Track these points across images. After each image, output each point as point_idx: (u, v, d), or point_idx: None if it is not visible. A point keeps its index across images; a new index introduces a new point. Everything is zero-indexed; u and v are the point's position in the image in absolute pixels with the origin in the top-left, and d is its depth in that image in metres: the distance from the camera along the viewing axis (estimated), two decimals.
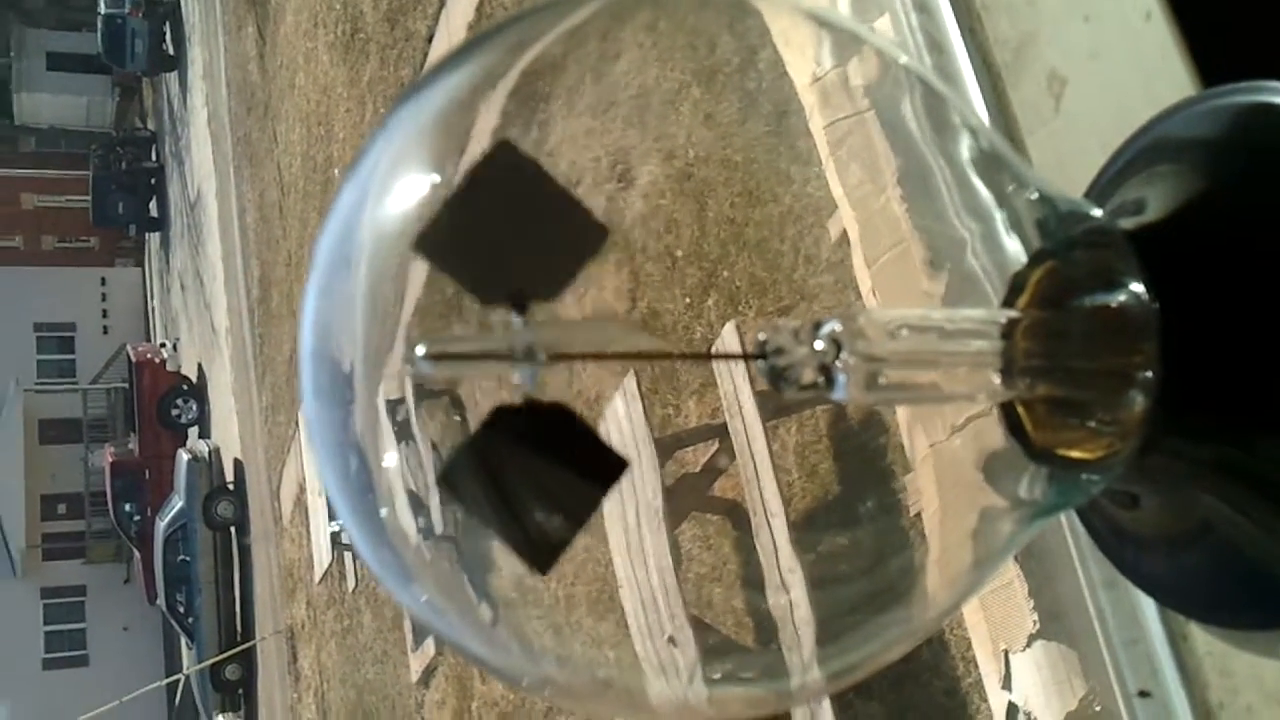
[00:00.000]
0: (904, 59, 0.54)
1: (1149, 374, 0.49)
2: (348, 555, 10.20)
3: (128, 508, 21.77)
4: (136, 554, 22.56)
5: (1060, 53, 0.66)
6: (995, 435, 0.55)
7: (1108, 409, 0.51)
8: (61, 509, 28.14)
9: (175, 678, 18.57)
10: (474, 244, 0.46)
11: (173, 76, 25.55)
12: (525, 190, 0.46)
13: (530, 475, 0.45)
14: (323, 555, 10.63)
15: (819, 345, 0.48)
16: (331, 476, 0.51)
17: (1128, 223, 0.54)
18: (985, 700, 3.10)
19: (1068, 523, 0.67)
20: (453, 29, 7.09)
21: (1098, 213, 0.53)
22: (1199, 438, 0.51)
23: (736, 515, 4.60)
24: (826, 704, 3.39)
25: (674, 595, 3.79)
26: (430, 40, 7.57)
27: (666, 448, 3.72)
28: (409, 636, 8.43)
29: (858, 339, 0.48)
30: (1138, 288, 0.50)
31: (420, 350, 0.44)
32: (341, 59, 9.92)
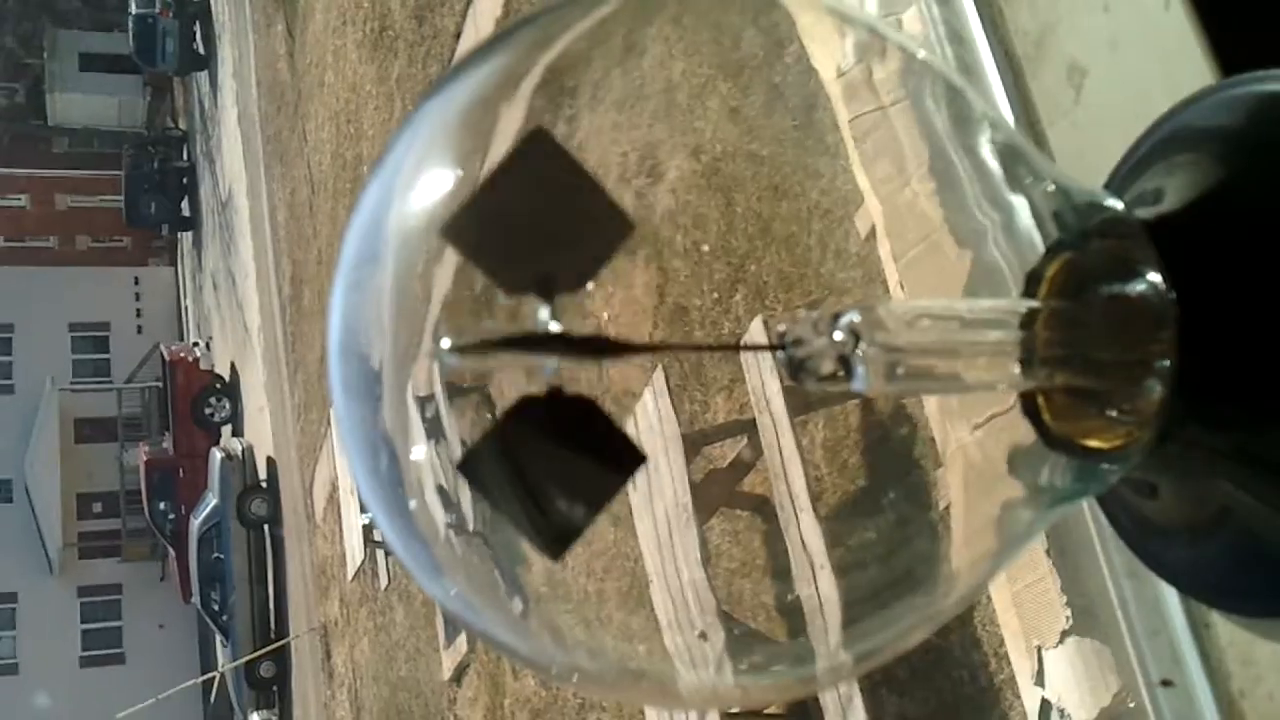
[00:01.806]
0: (922, 54, 0.54)
1: (1167, 363, 0.49)
2: (380, 552, 10.23)
3: (162, 506, 21.92)
4: (171, 552, 22.71)
5: (1080, 43, 0.66)
6: (1017, 425, 0.55)
7: (1126, 398, 0.51)
8: (97, 508, 28.34)
9: (210, 675, 18.68)
10: (502, 232, 0.46)
11: (203, 76, 25.71)
12: (556, 179, 0.47)
13: (549, 464, 0.45)
14: (355, 552, 10.67)
15: (838, 336, 0.48)
16: (361, 471, 0.52)
17: (1146, 212, 0.54)
18: (1018, 697, 3.10)
19: (1091, 513, 0.67)
20: (480, 25, 7.10)
21: (1115, 203, 0.53)
22: (1217, 426, 0.52)
23: (765, 510, 4.59)
24: (858, 700, 3.38)
25: (704, 590, 3.78)
26: (458, 37, 7.59)
27: (695, 443, 3.73)
28: (441, 634, 8.45)
29: (876, 329, 0.48)
30: (1155, 277, 0.50)
31: (446, 343, 0.45)
32: (370, 56, 9.95)
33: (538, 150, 0.46)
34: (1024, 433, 0.55)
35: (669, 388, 2.73)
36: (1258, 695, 0.58)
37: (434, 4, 8.15)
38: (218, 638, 19.09)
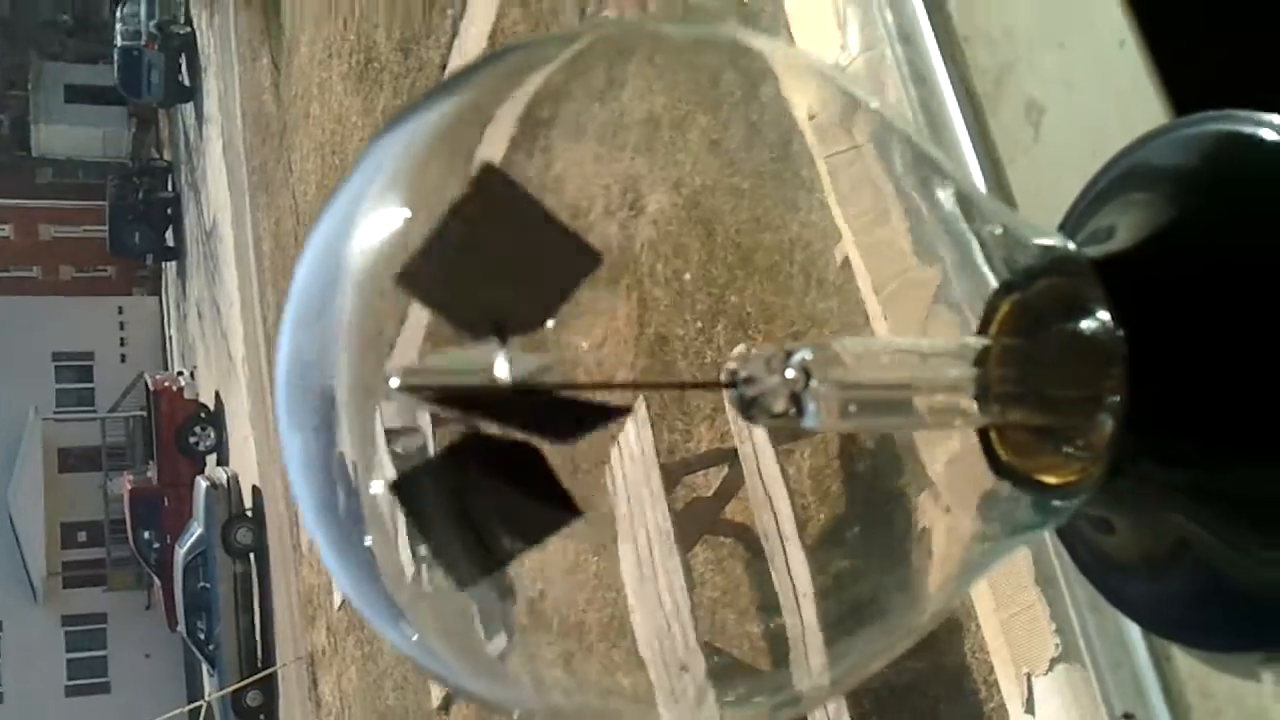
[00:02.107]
0: (874, 104, 0.55)
1: (1117, 399, 0.50)
2: None
3: (147, 535, 21.83)
4: (157, 581, 22.61)
5: (1037, 81, 0.67)
6: (976, 460, 0.56)
7: (1079, 434, 0.52)
8: (82, 537, 28.25)
9: (197, 704, 18.55)
10: (457, 277, 0.46)
11: (188, 107, 25.73)
12: (511, 217, 0.47)
13: (479, 501, 0.45)
14: None
15: (790, 374, 0.49)
16: (315, 510, 0.52)
17: (1097, 250, 0.55)
18: None
19: (1054, 546, 0.67)
20: (466, 58, 7.13)
21: (1062, 243, 0.54)
22: (1167, 461, 0.52)
23: (748, 538, 4.60)
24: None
25: (686, 620, 3.77)
26: (444, 69, 7.61)
27: (676, 473, 3.73)
28: None
29: (828, 367, 0.49)
30: (1104, 315, 0.50)
31: (394, 382, 0.45)
32: (355, 88, 9.97)
33: (490, 189, 0.46)
34: (982, 468, 0.55)
35: (650, 416, 2.74)
36: None
37: (419, 37, 8.17)
38: (204, 667, 18.99)
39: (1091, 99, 0.64)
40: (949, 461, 0.57)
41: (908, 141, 0.55)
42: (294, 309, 0.52)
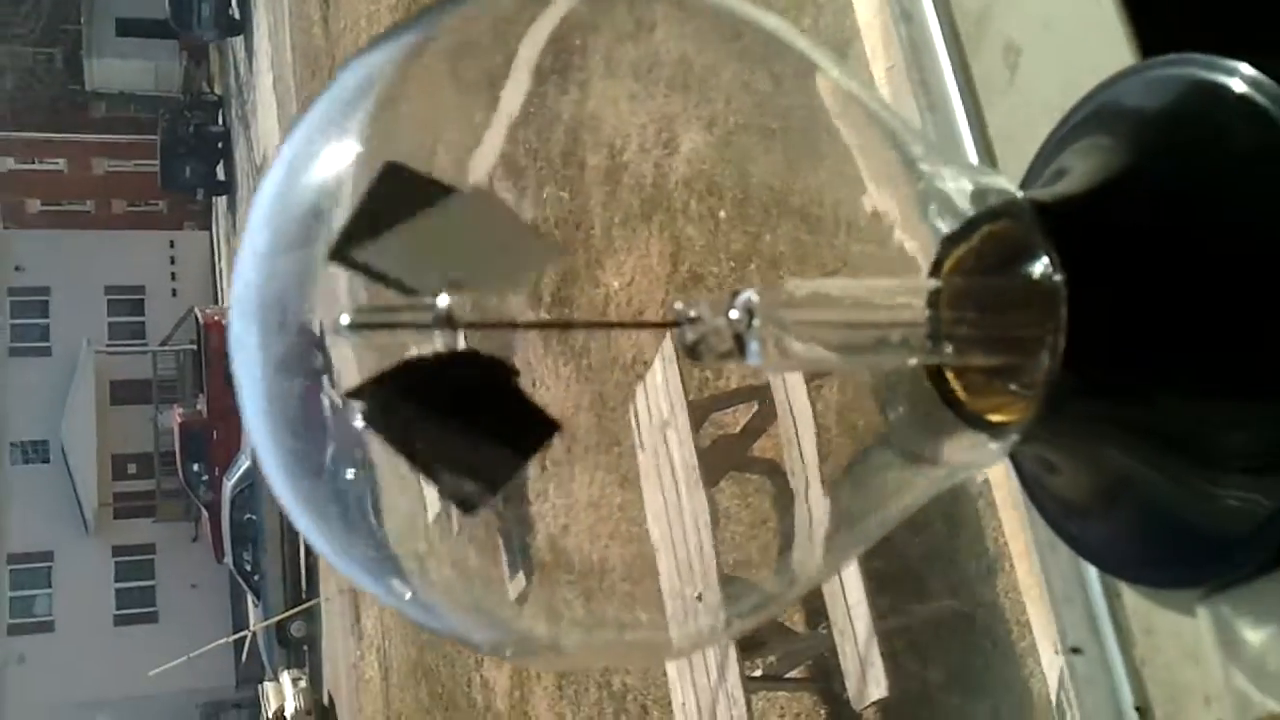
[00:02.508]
0: (835, 73, 0.55)
1: (1056, 339, 0.50)
2: None
3: (196, 467, 22.14)
4: (204, 513, 22.93)
5: (1016, 23, 0.68)
6: (928, 396, 0.57)
7: (1023, 373, 0.53)
8: (132, 469, 28.61)
9: (241, 634, 18.88)
10: (384, 251, 0.46)
11: (239, 41, 25.77)
12: (419, 202, 0.47)
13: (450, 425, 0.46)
14: None
15: (734, 314, 0.50)
16: (294, 458, 0.53)
17: (1049, 194, 0.55)
18: (1039, 664, 3.12)
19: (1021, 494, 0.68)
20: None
21: (1010, 187, 0.55)
22: (1103, 397, 0.53)
23: (776, 474, 4.59)
24: (879, 666, 3.39)
25: (709, 555, 3.79)
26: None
27: (704, 409, 3.75)
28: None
29: (771, 308, 0.50)
30: (1046, 258, 0.51)
31: (345, 320, 0.46)
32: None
33: (395, 181, 0.46)
34: (935, 405, 0.57)
35: (678, 354, 2.75)
36: (1157, 664, 0.60)
37: None
38: (249, 598, 19.29)
39: (1066, 41, 0.64)
40: (906, 397, 0.58)
41: (861, 102, 0.55)
42: (265, 234, 0.53)
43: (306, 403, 0.51)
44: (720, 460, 4.36)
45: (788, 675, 4.30)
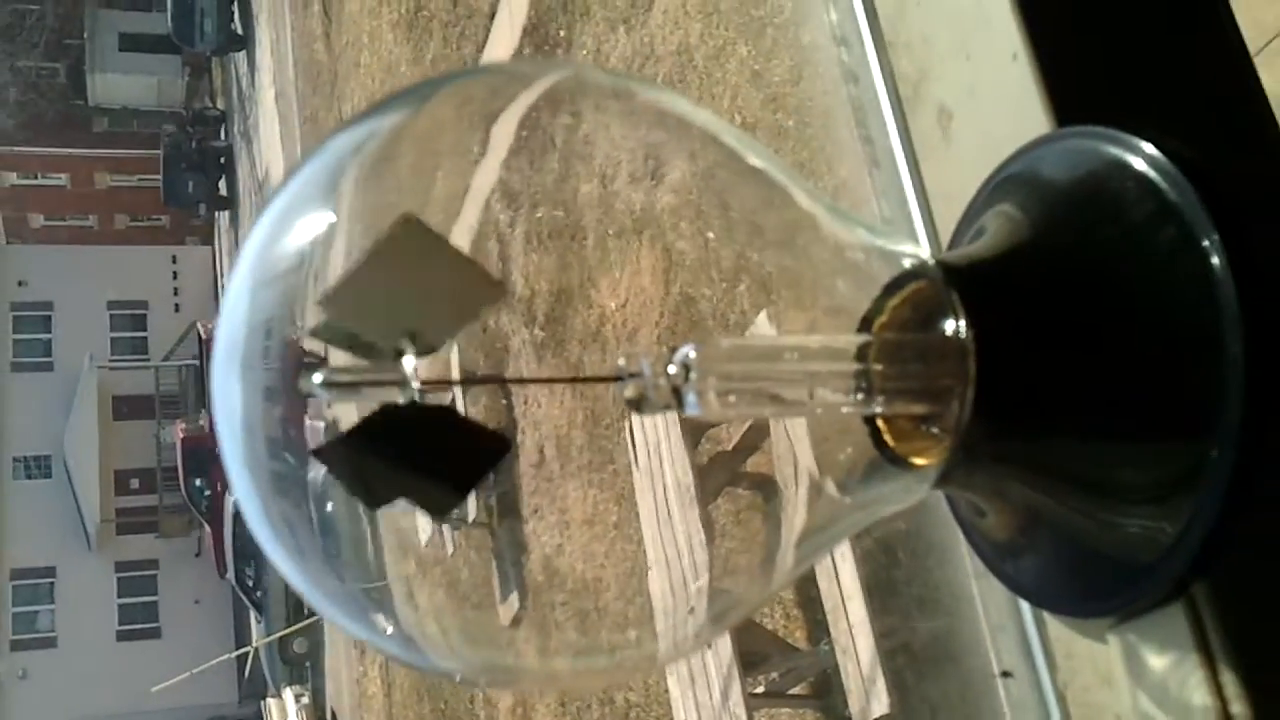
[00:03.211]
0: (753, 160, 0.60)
1: (966, 390, 0.56)
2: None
3: (198, 483, 22.19)
4: (207, 528, 22.98)
5: (947, 88, 0.72)
6: (860, 441, 0.62)
7: (940, 420, 0.58)
8: (135, 484, 28.69)
9: (244, 650, 18.90)
10: (371, 305, 0.52)
11: (241, 56, 25.89)
12: (426, 256, 0.52)
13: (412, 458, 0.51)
14: None
15: (672, 370, 0.55)
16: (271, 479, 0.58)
17: (961, 257, 0.61)
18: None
19: (956, 531, 0.73)
20: (514, 5, 7.13)
21: (923, 254, 0.60)
22: (1008, 440, 0.58)
23: (769, 489, 4.61)
24: (882, 683, 3.41)
25: (703, 569, 3.78)
26: (493, 16, 7.64)
27: (699, 426, 3.78)
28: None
29: (707, 363, 0.55)
30: (957, 316, 0.56)
31: (317, 378, 0.51)
32: (405, 37, 10.02)
33: (408, 233, 0.51)
34: (865, 450, 0.62)
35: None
36: (1076, 687, 0.64)
37: None
38: (252, 613, 19.32)
39: (990, 107, 0.69)
40: (838, 440, 0.63)
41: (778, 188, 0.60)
42: (253, 269, 0.58)
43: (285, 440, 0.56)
44: (715, 477, 4.37)
45: (790, 692, 4.32)
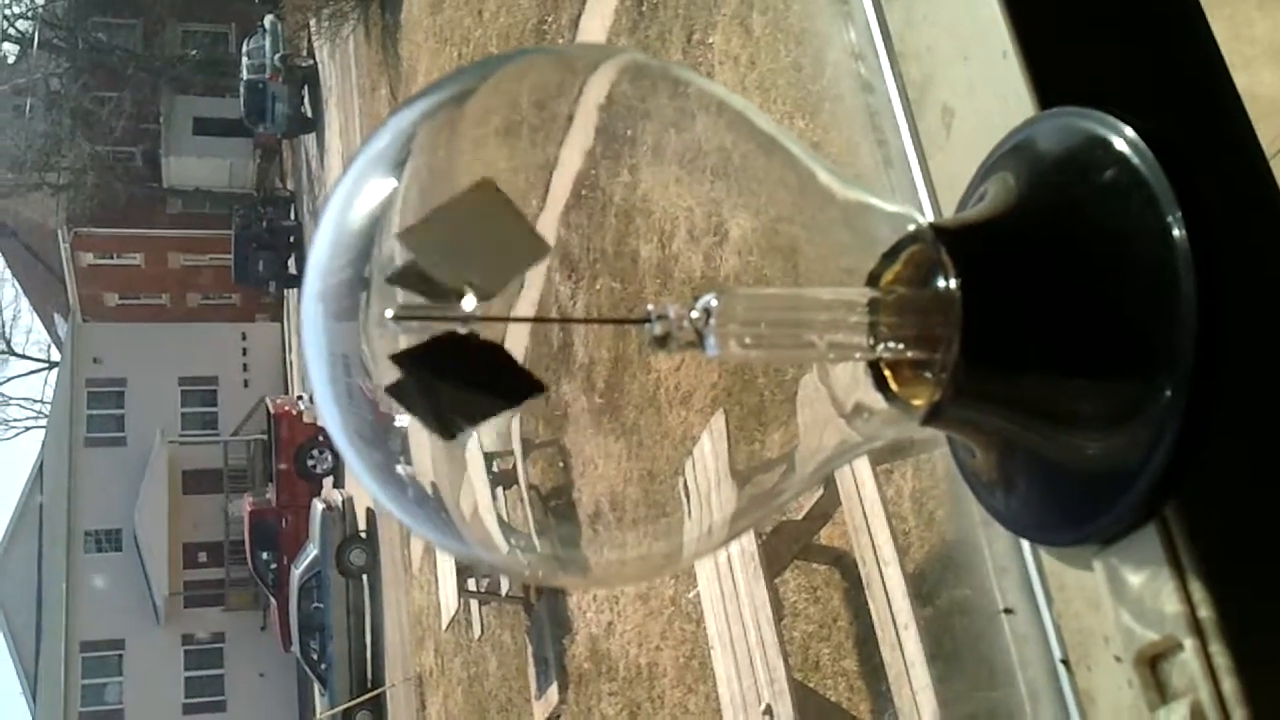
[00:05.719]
0: (783, 140, 0.69)
1: (955, 336, 0.64)
2: (473, 603, 10.38)
3: (265, 556, 22.36)
4: (273, 601, 23.12)
5: (949, 89, 0.81)
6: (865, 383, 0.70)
7: (934, 365, 0.65)
8: (202, 557, 28.98)
9: None
10: (446, 250, 0.60)
11: (311, 138, 26.43)
12: (494, 215, 0.61)
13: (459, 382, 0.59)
14: (450, 602, 10.83)
15: (695, 314, 0.63)
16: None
17: (953, 221, 0.69)
18: None
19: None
20: (586, 105, 7.25)
21: (920, 218, 0.68)
22: (991, 378, 0.66)
23: (844, 564, 4.50)
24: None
25: (774, 654, 3.71)
26: (570, 119, 7.76)
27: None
28: (533, 684, 8.56)
29: (726, 308, 0.63)
30: (947, 273, 0.64)
31: (389, 313, 0.60)
32: None
33: (484, 193, 0.61)
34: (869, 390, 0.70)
35: (728, 431, 2.80)
36: (1069, 615, 0.71)
37: None
38: (316, 686, 19.40)
39: (986, 102, 0.77)
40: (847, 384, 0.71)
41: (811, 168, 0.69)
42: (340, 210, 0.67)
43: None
44: (783, 547, 4.31)
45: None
